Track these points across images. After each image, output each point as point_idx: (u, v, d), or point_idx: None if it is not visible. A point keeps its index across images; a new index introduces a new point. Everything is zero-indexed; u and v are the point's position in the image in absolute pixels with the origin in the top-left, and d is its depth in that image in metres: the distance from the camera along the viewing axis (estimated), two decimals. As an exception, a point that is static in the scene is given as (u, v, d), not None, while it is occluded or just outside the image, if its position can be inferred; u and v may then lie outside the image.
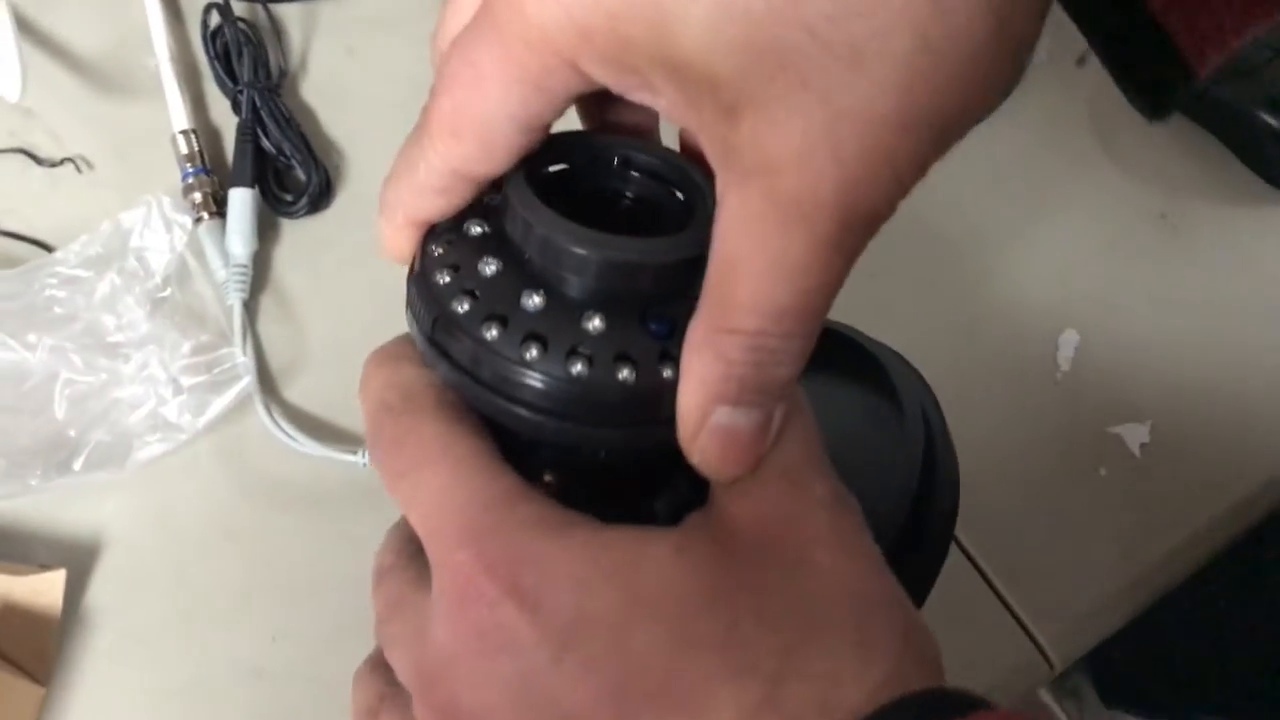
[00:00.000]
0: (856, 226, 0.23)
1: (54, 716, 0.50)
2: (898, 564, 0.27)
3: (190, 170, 0.59)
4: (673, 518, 0.27)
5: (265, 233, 0.59)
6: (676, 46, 0.23)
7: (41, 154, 0.61)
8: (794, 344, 0.25)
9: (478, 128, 0.26)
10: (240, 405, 0.53)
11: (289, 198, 0.59)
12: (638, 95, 0.25)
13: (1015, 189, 0.61)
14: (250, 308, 0.57)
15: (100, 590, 0.52)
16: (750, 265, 0.24)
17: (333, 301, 0.58)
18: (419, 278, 0.28)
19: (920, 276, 0.58)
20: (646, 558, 0.25)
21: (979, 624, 0.52)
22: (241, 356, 0.53)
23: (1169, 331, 0.58)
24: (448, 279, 0.27)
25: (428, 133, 0.27)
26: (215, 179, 0.59)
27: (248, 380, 0.53)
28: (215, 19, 0.62)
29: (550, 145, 0.28)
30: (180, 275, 0.55)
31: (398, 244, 0.29)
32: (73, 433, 0.52)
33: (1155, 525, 0.54)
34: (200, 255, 0.55)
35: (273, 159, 0.59)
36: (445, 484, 0.27)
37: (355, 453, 0.53)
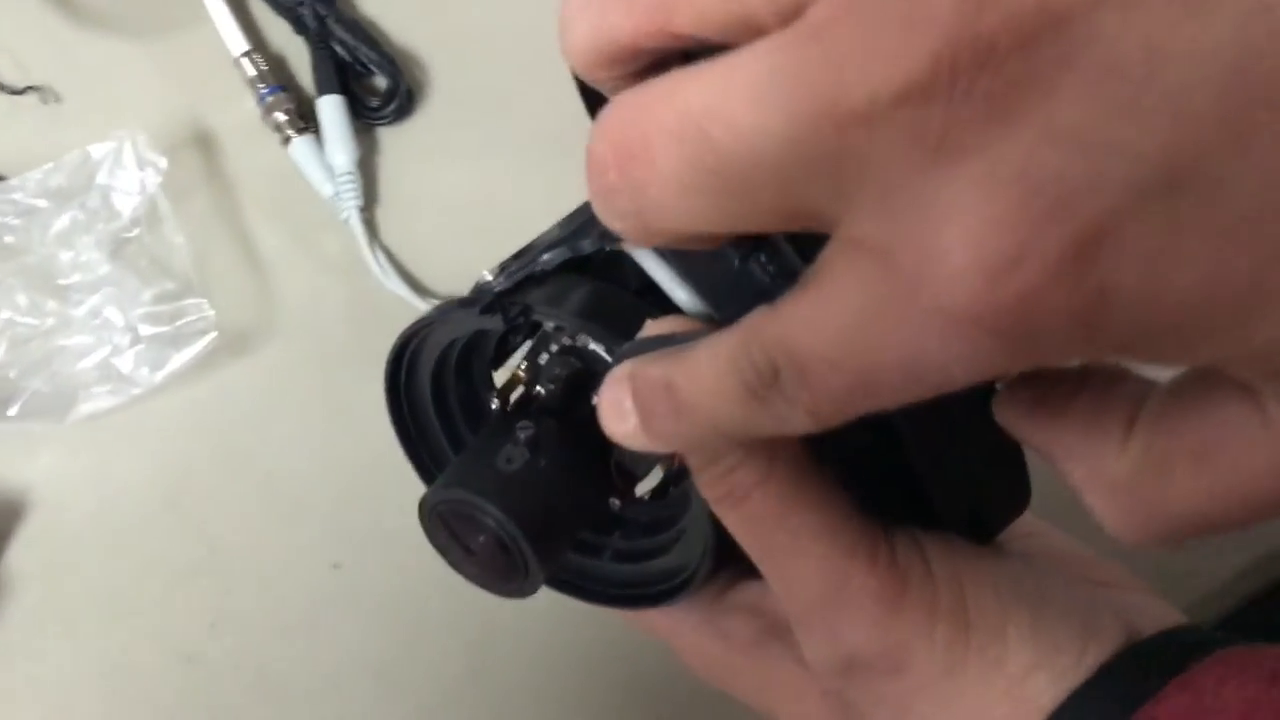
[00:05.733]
0: None
1: (-45, 690, 0.45)
2: None
3: (265, 91, 0.55)
4: None
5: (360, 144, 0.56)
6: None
7: (4, 80, 0.56)
8: None
9: None
10: (203, 363, 0.49)
11: (375, 103, 0.56)
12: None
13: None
14: (363, 218, 0.54)
15: (23, 554, 0.47)
16: None
17: (447, 205, 0.56)
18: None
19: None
20: None
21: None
22: (209, 310, 0.48)
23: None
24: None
25: None
26: (294, 95, 0.56)
27: (212, 336, 0.48)
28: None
29: None
30: (150, 219, 0.50)
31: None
32: (13, 374, 0.47)
33: (1186, 568, 0.51)
34: (176, 198, 0.50)
35: (349, 67, 0.57)
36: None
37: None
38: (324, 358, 0.52)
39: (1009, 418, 0.25)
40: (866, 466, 0.28)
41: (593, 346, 0.30)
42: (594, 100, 0.36)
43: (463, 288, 0.30)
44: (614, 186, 0.21)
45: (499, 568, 0.29)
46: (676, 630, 0.33)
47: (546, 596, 0.32)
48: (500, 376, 0.32)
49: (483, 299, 0.29)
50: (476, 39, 0.60)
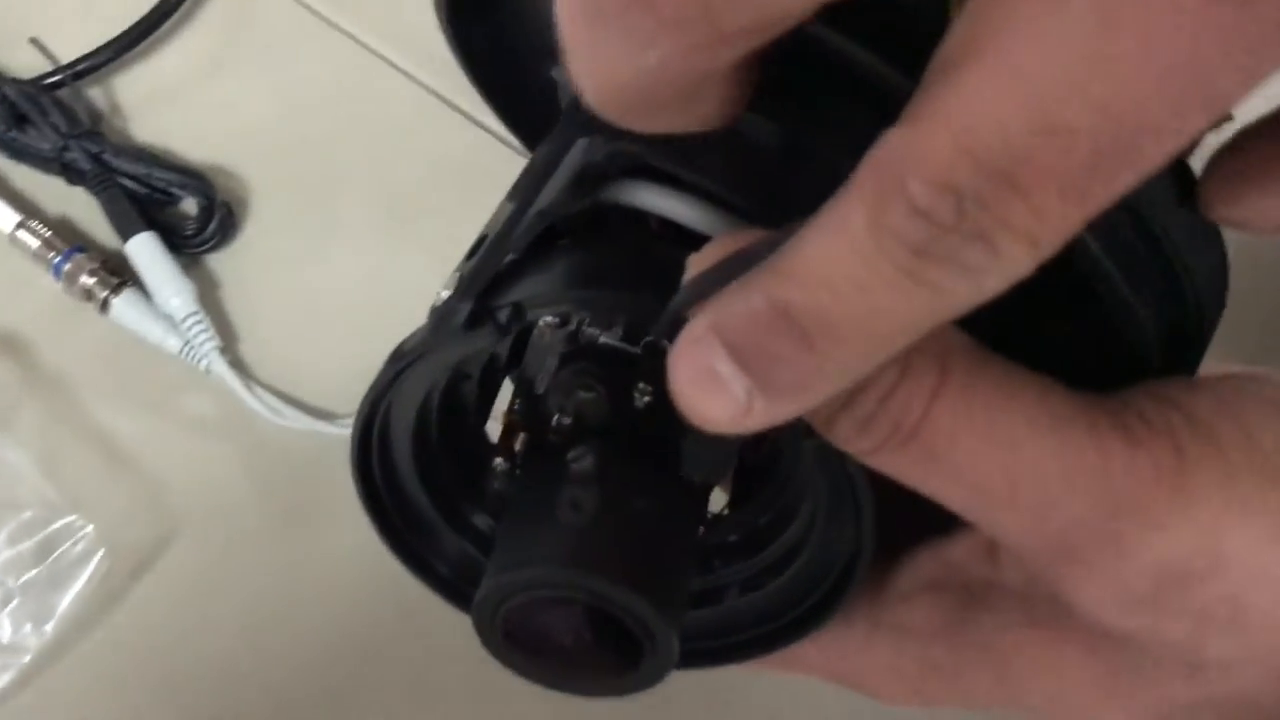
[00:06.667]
0: None
1: None
2: None
3: (58, 260, 0.46)
4: None
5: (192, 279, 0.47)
6: None
7: None
8: None
9: None
10: (100, 594, 0.39)
11: (191, 228, 0.48)
12: None
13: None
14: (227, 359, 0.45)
15: None
16: None
17: (313, 311, 0.48)
18: None
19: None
20: None
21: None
22: (84, 526, 0.39)
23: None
24: None
25: None
26: (95, 253, 0.47)
27: (100, 557, 0.39)
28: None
29: None
30: (-31, 449, 0.40)
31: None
32: None
33: None
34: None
35: (148, 199, 0.48)
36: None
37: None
38: (241, 536, 0.43)
39: (1235, 196, 0.18)
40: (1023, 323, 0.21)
41: (604, 339, 0.22)
42: (466, 48, 0.28)
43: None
44: None
45: (612, 658, 0.21)
46: (841, 657, 0.25)
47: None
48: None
49: (457, 314, 0.20)
50: (281, 129, 0.52)
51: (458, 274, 0.21)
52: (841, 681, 0.25)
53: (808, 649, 0.24)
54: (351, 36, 0.54)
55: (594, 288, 0.21)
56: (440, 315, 0.21)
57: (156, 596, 0.41)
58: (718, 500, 0.25)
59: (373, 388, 0.22)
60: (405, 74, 0.53)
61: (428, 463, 0.24)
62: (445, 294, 0.21)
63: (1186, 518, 0.19)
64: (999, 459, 0.19)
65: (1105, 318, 0.21)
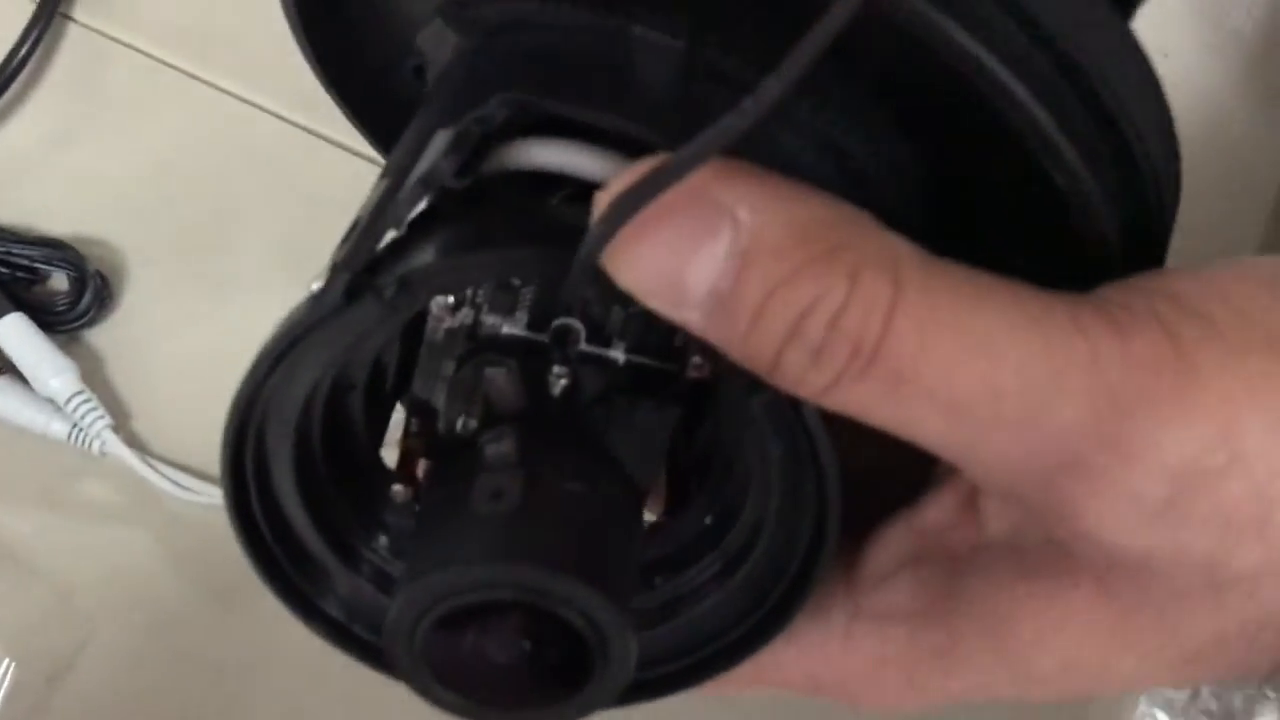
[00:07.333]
0: None
1: None
2: None
3: None
4: None
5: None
6: None
7: None
8: None
9: None
10: (10, 703, 0.36)
11: (63, 304, 0.45)
12: None
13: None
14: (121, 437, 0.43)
15: None
16: None
17: (208, 373, 0.44)
18: None
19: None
20: None
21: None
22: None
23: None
24: None
25: None
26: None
27: (7, 668, 0.36)
28: None
29: None
30: None
31: None
32: None
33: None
34: None
35: (10, 279, 0.45)
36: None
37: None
38: (164, 624, 0.40)
39: None
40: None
41: (507, 330, 0.20)
42: (319, 49, 0.26)
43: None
44: None
45: (558, 676, 0.19)
46: (821, 659, 0.22)
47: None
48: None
49: (333, 288, 0.18)
50: (149, 189, 0.49)
51: (330, 262, 0.19)
52: (825, 690, 0.22)
53: (783, 656, 0.22)
54: (209, 83, 0.51)
55: (492, 250, 0.19)
56: (311, 303, 0.19)
57: (78, 704, 0.38)
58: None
59: (240, 392, 0.19)
60: (272, 114, 0.50)
61: (314, 491, 0.21)
62: (315, 285, 0.19)
63: (1196, 406, 0.17)
64: (977, 367, 0.17)
65: (1063, 210, 0.19)
